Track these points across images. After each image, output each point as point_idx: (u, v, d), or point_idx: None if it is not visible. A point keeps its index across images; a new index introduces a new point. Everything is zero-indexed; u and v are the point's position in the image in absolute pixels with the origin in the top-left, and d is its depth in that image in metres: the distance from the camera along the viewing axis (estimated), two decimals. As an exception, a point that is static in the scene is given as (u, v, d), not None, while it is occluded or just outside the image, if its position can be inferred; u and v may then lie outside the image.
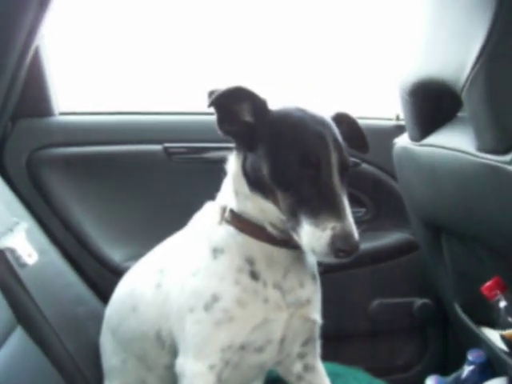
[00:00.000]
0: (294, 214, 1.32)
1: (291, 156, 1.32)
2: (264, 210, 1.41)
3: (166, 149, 2.31)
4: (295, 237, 1.34)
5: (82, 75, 2.54)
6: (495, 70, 1.32)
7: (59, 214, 2.23)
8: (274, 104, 1.43)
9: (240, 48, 2.62)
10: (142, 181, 2.32)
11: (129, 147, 2.31)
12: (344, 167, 1.35)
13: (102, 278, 2.18)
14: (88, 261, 2.23)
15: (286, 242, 1.43)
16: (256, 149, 1.39)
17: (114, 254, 2.24)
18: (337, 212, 1.27)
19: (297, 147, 1.33)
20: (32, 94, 2.21)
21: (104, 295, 1.90)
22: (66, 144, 2.28)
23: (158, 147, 2.31)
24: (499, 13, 1.28)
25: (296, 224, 1.31)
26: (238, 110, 1.40)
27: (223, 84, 1.38)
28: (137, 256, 1.77)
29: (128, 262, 2.08)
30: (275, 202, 1.37)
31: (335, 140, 1.36)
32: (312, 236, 1.27)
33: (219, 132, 1.40)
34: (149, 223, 2.27)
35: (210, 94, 1.39)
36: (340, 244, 1.25)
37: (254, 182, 1.40)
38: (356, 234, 1.27)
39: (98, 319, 1.82)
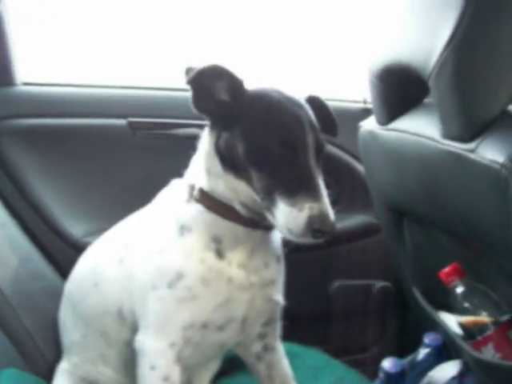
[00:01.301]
0: (269, 194, 1.32)
1: (268, 136, 1.33)
2: (236, 190, 1.41)
3: (130, 123, 2.28)
4: (269, 217, 1.34)
5: (46, 44, 2.48)
6: (464, 57, 1.32)
7: (19, 186, 2.18)
8: (250, 84, 1.42)
9: (213, 26, 2.60)
10: (105, 155, 2.28)
11: (93, 120, 2.27)
12: (319, 149, 1.37)
13: (61, 253, 2.14)
14: (48, 235, 2.19)
15: (254, 222, 1.44)
16: (231, 128, 1.39)
17: (75, 228, 2.21)
18: (313, 192, 1.28)
19: (273, 128, 1.34)
20: (-7, 63, 2.16)
21: (63, 270, 1.89)
22: (28, 115, 2.23)
23: (122, 121, 2.28)
24: (469, 2, 1.28)
25: (271, 204, 1.32)
26: (214, 88, 1.39)
27: (199, 61, 1.37)
28: (97, 232, 1.76)
29: (88, 238, 2.05)
30: (248, 181, 1.37)
31: (311, 122, 1.38)
32: (289, 215, 1.28)
33: (194, 110, 1.39)
34: (111, 199, 2.24)
35: (188, 70, 1.38)
36: (317, 224, 1.26)
37: (228, 160, 1.40)
38: (332, 215, 1.28)
39: (56, 295, 1.79)
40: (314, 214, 1.26)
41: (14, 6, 2.20)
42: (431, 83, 1.41)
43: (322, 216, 1.26)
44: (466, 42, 1.31)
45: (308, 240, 1.29)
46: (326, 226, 1.27)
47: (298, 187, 1.29)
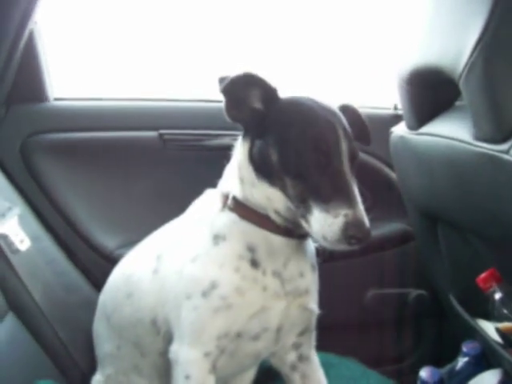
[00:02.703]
0: (303, 201, 1.32)
1: (302, 143, 1.33)
2: (270, 198, 1.40)
3: (161, 135, 2.30)
4: (304, 224, 1.34)
5: (77, 61, 2.51)
6: (493, 57, 1.30)
7: (52, 200, 2.21)
8: (284, 92, 1.43)
9: (240, 38, 2.61)
10: (136, 167, 2.30)
11: (124, 133, 2.30)
12: (353, 156, 1.36)
13: (95, 265, 2.17)
14: (81, 248, 2.21)
15: (289, 231, 1.44)
16: (265, 136, 1.39)
17: (108, 241, 2.23)
18: (349, 199, 1.28)
19: (308, 135, 1.33)
20: (26, 80, 2.19)
21: (97, 282, 1.90)
22: (60, 130, 2.26)
23: (153, 134, 2.30)
24: (497, 2, 1.27)
25: (306, 211, 1.31)
26: (247, 97, 1.40)
27: (232, 70, 1.38)
28: (130, 243, 1.76)
29: (121, 250, 2.07)
30: (283, 189, 1.37)
31: (345, 129, 1.37)
32: (324, 222, 1.27)
33: (227, 118, 1.40)
34: (143, 210, 2.26)
35: (221, 80, 1.38)
36: (353, 231, 1.25)
37: (262, 168, 1.40)
38: (367, 222, 1.27)
39: (90, 307, 1.80)
40: (349, 221, 1.25)
41: (46, 22, 2.24)
42: (461, 85, 1.39)
43: (358, 223, 1.25)
44: (495, 42, 1.29)
45: (343, 247, 1.28)
46: (362, 232, 1.26)
47: (332, 194, 1.28)
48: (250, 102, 1.40)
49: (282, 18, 2.63)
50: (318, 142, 1.33)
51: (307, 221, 1.32)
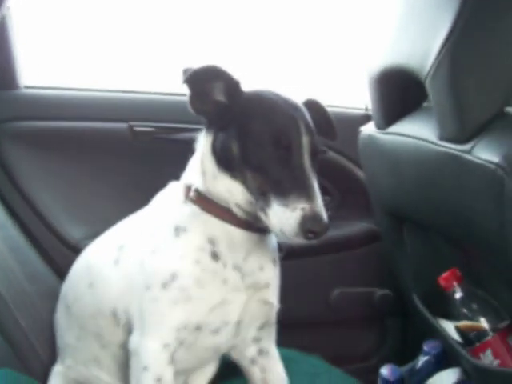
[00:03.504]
0: (263, 194, 1.32)
1: (263, 137, 1.33)
2: (231, 191, 1.41)
3: (130, 127, 2.28)
4: (263, 217, 1.34)
5: (49, 49, 2.49)
6: (459, 58, 1.32)
7: (20, 188, 2.18)
8: (246, 86, 1.43)
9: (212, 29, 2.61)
10: (105, 158, 2.28)
11: (94, 124, 2.27)
12: (314, 152, 1.37)
13: (60, 256, 2.14)
14: (47, 237, 2.18)
15: (250, 224, 1.44)
16: (227, 129, 1.39)
17: (74, 231, 2.20)
18: (307, 193, 1.29)
19: (269, 128, 1.34)
20: (-3, 67, 2.17)
21: (62, 273, 1.87)
22: (30, 118, 2.24)
23: (123, 125, 2.28)
24: (465, 4, 1.29)
25: (265, 204, 1.32)
26: (210, 89, 1.40)
27: (197, 63, 1.37)
28: (96, 234, 1.74)
29: (87, 240, 2.02)
30: (244, 182, 1.37)
31: (307, 124, 1.38)
32: (281, 216, 1.28)
33: (190, 110, 1.40)
34: (111, 202, 2.23)
35: (185, 71, 1.38)
36: (310, 224, 1.26)
37: (223, 161, 1.40)
38: (325, 216, 1.28)
39: (54, 297, 1.78)
40: (306, 215, 1.26)
41: (17, 10, 2.21)
42: (428, 85, 1.42)
43: (315, 217, 1.26)
44: (461, 43, 1.32)
45: (300, 240, 1.29)
46: (319, 226, 1.27)
47: (291, 187, 1.29)
48: (213, 95, 1.40)
49: (257, 17, 2.63)
50: (278, 136, 1.33)
51: (266, 214, 1.33)
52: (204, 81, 1.38)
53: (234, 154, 1.37)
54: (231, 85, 1.41)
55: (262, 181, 1.33)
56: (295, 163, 1.32)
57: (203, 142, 1.46)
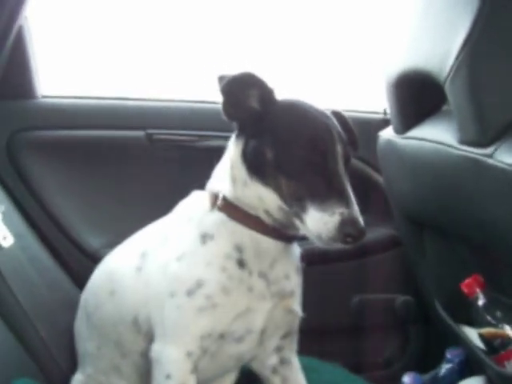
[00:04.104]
0: (298, 200, 1.33)
1: (299, 143, 1.34)
2: (262, 198, 1.41)
3: (148, 135, 2.29)
4: (298, 223, 1.35)
5: (66, 59, 2.51)
6: (479, 60, 1.31)
7: (38, 197, 2.20)
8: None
9: (230, 38, 2.61)
10: (123, 167, 2.28)
11: (111, 132, 2.28)
12: (347, 159, 1.39)
13: (79, 264, 2.15)
14: (66, 246, 2.19)
15: (278, 232, 1.44)
16: (260, 136, 1.40)
17: (92, 240, 2.21)
18: (344, 198, 1.29)
19: (305, 135, 1.36)
20: (14, 76, 2.17)
21: (80, 281, 1.87)
22: (47, 127, 2.25)
23: (140, 133, 2.29)
24: (484, 3, 1.28)
25: (300, 210, 1.32)
26: (245, 96, 1.41)
27: (232, 70, 1.39)
28: (115, 243, 1.74)
29: (106, 249, 2.04)
30: (276, 188, 1.38)
31: (339, 133, 1.40)
32: (319, 221, 1.28)
33: (224, 117, 1.41)
34: (129, 210, 2.24)
35: (221, 78, 1.40)
36: (348, 229, 1.26)
37: (256, 168, 1.41)
38: (362, 221, 1.29)
39: (73, 305, 1.78)
40: (345, 219, 1.26)
41: (34, 19, 2.23)
42: (447, 88, 1.40)
43: (353, 221, 1.27)
44: (481, 45, 1.30)
45: (338, 245, 1.29)
46: (357, 230, 1.27)
47: (328, 193, 1.30)
48: (248, 102, 1.42)
49: (274, 22, 2.63)
50: (315, 143, 1.35)
51: (302, 220, 1.33)
52: (240, 88, 1.40)
53: (268, 161, 1.38)
54: (266, 92, 1.43)
55: (298, 187, 1.33)
56: (331, 169, 1.34)
57: (233, 149, 1.47)
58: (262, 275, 1.46)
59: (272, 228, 1.44)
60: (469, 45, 1.29)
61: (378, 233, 2.36)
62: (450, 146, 1.45)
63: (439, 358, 1.89)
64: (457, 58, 1.32)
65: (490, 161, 1.29)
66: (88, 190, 2.26)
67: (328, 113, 1.45)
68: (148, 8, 2.61)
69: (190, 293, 1.41)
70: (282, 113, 1.42)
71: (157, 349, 1.46)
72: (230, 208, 1.45)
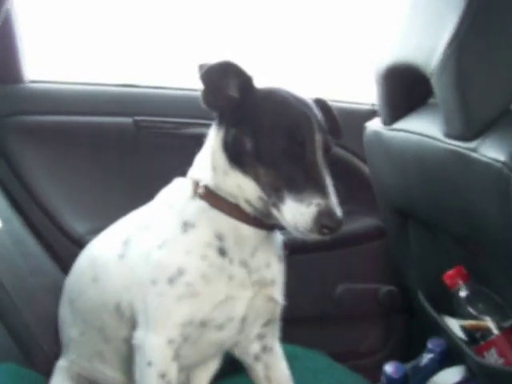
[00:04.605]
0: (276, 190, 1.33)
1: (277, 133, 1.34)
2: (242, 187, 1.41)
3: (135, 122, 2.29)
4: (276, 213, 1.34)
5: (54, 43, 2.49)
6: (465, 55, 1.31)
7: (24, 182, 2.19)
8: (259, 83, 1.44)
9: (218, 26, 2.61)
10: (110, 153, 2.28)
11: (98, 118, 2.28)
12: (327, 148, 1.38)
13: (64, 250, 2.14)
14: (51, 231, 2.19)
15: (258, 221, 1.44)
16: (239, 124, 1.40)
17: (78, 225, 2.21)
18: (322, 189, 1.29)
19: (283, 125, 1.35)
20: (2, 61, 2.18)
21: (65, 267, 1.87)
22: (34, 112, 2.24)
23: (127, 120, 2.29)
24: (472, -1, 1.28)
25: (278, 200, 1.32)
26: (224, 85, 1.40)
27: (211, 58, 1.39)
28: (101, 229, 1.74)
29: (92, 235, 2.03)
30: (256, 178, 1.37)
31: (319, 121, 1.39)
32: (296, 211, 1.28)
33: (203, 105, 1.40)
34: (115, 196, 2.24)
35: (201, 67, 1.39)
36: (325, 220, 1.26)
37: (235, 157, 1.41)
38: (340, 212, 1.28)
39: (58, 291, 1.78)
40: (321, 210, 1.26)
41: (23, 3, 2.21)
42: (434, 81, 1.41)
43: (330, 212, 1.27)
44: (468, 40, 1.31)
45: (314, 236, 1.29)
46: (334, 222, 1.27)
47: (306, 183, 1.30)
48: (227, 90, 1.41)
49: (265, 12, 2.63)
50: (293, 132, 1.34)
51: (279, 210, 1.33)
52: (219, 76, 1.39)
53: (247, 150, 1.37)
54: (245, 81, 1.42)
55: (276, 177, 1.33)
56: (309, 159, 1.33)
57: (213, 138, 1.46)
58: (243, 263, 1.46)
59: (253, 217, 1.44)
60: (456, 40, 1.30)
61: (363, 223, 2.37)
62: (435, 138, 1.46)
63: (421, 348, 1.90)
64: (444, 52, 1.33)
65: (475, 155, 1.30)
66: (74, 175, 2.25)
67: (309, 101, 1.44)
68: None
69: (171, 281, 1.42)
70: (260, 101, 1.41)
71: (139, 336, 1.47)
72: (211, 196, 1.45)
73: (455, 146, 1.37)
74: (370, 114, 2.24)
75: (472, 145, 1.32)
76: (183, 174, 1.54)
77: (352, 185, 2.34)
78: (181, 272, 1.41)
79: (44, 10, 2.45)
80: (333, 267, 2.35)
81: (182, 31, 2.57)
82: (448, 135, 1.41)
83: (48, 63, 2.44)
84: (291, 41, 2.65)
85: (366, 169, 2.30)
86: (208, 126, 1.52)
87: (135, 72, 2.52)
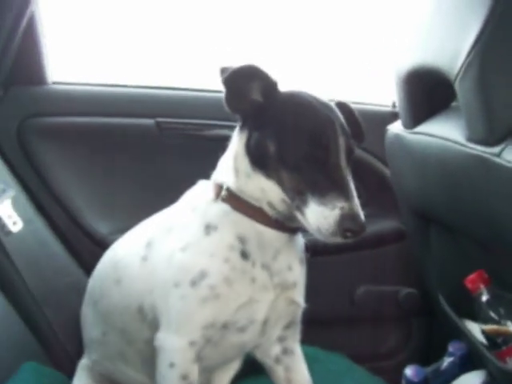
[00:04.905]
0: (299, 194, 1.33)
1: (301, 137, 1.34)
2: (265, 190, 1.41)
3: (158, 123, 2.30)
4: (299, 216, 1.35)
5: (78, 45, 2.51)
6: (489, 59, 1.30)
7: (47, 183, 2.22)
8: (283, 87, 1.44)
9: (240, 30, 2.61)
10: (132, 154, 2.30)
11: (121, 120, 2.30)
12: (349, 152, 1.38)
13: (87, 250, 2.17)
14: (74, 232, 2.22)
15: (280, 224, 1.45)
16: (263, 128, 1.40)
17: (101, 226, 2.23)
18: (345, 193, 1.29)
19: (307, 128, 1.35)
20: (26, 62, 2.20)
21: (88, 267, 1.89)
22: (57, 113, 2.27)
23: (150, 121, 2.30)
24: (497, 3, 1.27)
25: (301, 203, 1.33)
26: (248, 89, 1.41)
27: (234, 62, 1.39)
28: (123, 229, 1.76)
29: (114, 235, 2.05)
30: (279, 181, 1.38)
31: (342, 125, 1.39)
32: (320, 215, 1.29)
33: (226, 109, 1.40)
34: (137, 197, 2.26)
35: (223, 70, 1.40)
36: (348, 224, 1.26)
37: (258, 160, 1.41)
38: (362, 215, 1.29)
39: (80, 291, 1.80)
40: (345, 214, 1.27)
41: (47, 6, 2.24)
42: (457, 86, 1.40)
43: (353, 216, 1.27)
44: (492, 45, 1.29)
45: (338, 239, 1.29)
46: (357, 225, 1.27)
47: (329, 187, 1.30)
48: (251, 94, 1.41)
49: (286, 14, 2.63)
50: (316, 136, 1.34)
51: (302, 213, 1.33)
52: (243, 80, 1.39)
53: (270, 154, 1.38)
54: (268, 85, 1.42)
55: (299, 180, 1.33)
56: (332, 163, 1.33)
57: (237, 141, 1.47)
58: (265, 266, 1.47)
59: (275, 220, 1.44)
60: (479, 44, 1.29)
61: (383, 225, 2.36)
62: (458, 143, 1.45)
63: (442, 351, 1.90)
64: (467, 56, 1.32)
65: (497, 160, 1.29)
66: (97, 176, 2.27)
67: (332, 105, 1.45)
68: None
69: (193, 283, 1.42)
70: (284, 105, 1.41)
71: (161, 337, 1.47)
72: (234, 199, 1.46)
73: (478, 150, 1.36)
74: (391, 116, 2.24)
75: (495, 150, 1.30)
76: (207, 176, 1.55)
77: (373, 187, 2.35)
78: (203, 275, 1.42)
79: (67, 13, 2.47)
80: (353, 269, 2.34)
81: (196, 34, 2.59)
82: (470, 140, 1.40)
83: (71, 65, 2.46)
84: (309, 43, 2.65)
85: (386, 171, 2.29)
86: (230, 127, 1.52)
87: (152, 73, 2.54)
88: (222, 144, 1.52)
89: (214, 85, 2.22)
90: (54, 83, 2.31)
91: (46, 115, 2.25)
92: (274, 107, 1.40)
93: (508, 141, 1.29)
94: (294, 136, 1.35)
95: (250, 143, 1.43)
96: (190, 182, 1.58)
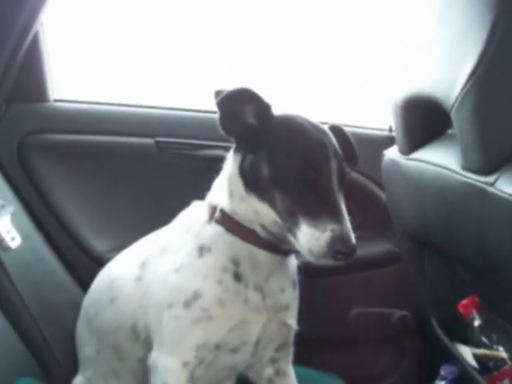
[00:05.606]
0: (291, 216, 1.34)
1: (293, 160, 1.36)
2: (258, 212, 1.43)
3: (157, 143, 2.31)
4: (291, 238, 1.36)
5: (79, 64, 2.54)
6: (485, 91, 1.32)
7: (46, 199, 2.23)
8: (276, 109, 1.46)
9: (237, 50, 2.64)
10: (131, 173, 2.32)
11: (120, 138, 2.31)
12: (342, 175, 1.40)
13: (84, 267, 2.17)
14: (71, 248, 2.22)
15: (273, 246, 1.47)
16: (256, 151, 1.42)
17: (98, 243, 2.24)
18: (336, 215, 1.31)
19: (299, 152, 1.37)
20: (28, 79, 2.21)
21: (85, 284, 1.90)
22: (58, 131, 2.28)
23: (149, 141, 2.31)
24: (493, 35, 1.29)
25: (293, 225, 1.34)
26: (242, 111, 1.42)
27: (228, 84, 1.41)
28: (121, 247, 1.77)
29: (111, 253, 2.06)
30: (271, 203, 1.39)
31: (334, 149, 1.41)
32: (311, 237, 1.30)
33: (221, 131, 1.42)
34: (135, 216, 2.27)
35: (217, 93, 1.41)
36: (339, 246, 1.28)
37: (252, 183, 1.43)
38: (353, 238, 1.31)
39: (77, 308, 1.81)
40: (336, 236, 1.28)
41: (50, 25, 2.26)
42: (453, 115, 1.42)
43: (344, 238, 1.29)
44: (488, 76, 1.32)
45: (329, 262, 1.31)
46: (348, 247, 1.29)
47: (320, 209, 1.31)
48: (244, 117, 1.43)
49: (282, 36, 2.66)
50: (308, 160, 1.36)
51: (294, 235, 1.34)
52: (236, 103, 1.41)
53: (263, 176, 1.39)
54: (262, 108, 1.44)
55: (291, 202, 1.35)
56: (324, 186, 1.35)
57: (231, 163, 1.49)
58: (258, 288, 1.48)
59: (268, 242, 1.46)
60: (475, 76, 1.31)
61: (378, 248, 2.37)
62: (453, 171, 1.47)
63: (433, 374, 1.90)
64: (463, 87, 1.34)
65: (492, 189, 1.31)
66: (96, 194, 2.29)
67: (325, 128, 1.46)
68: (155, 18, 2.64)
69: (186, 304, 1.44)
70: (277, 129, 1.42)
71: (154, 357, 1.49)
72: (227, 221, 1.47)
73: (472, 179, 1.38)
74: (388, 140, 2.27)
75: (489, 179, 1.33)
76: (202, 197, 1.56)
77: (368, 210, 2.37)
78: (197, 296, 1.44)
79: (70, 32, 2.49)
80: (347, 291, 2.35)
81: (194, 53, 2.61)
82: (466, 168, 1.42)
83: (72, 83, 2.48)
84: (306, 65, 2.68)
85: (381, 194, 2.32)
86: (224, 148, 1.54)
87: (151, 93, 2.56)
88: (214, 164, 1.54)
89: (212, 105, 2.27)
90: (56, 101, 2.33)
91: (46, 132, 2.26)
92: (268, 130, 1.42)
93: (502, 170, 1.31)
94: (286, 159, 1.36)
95: (244, 165, 1.44)
96: (188, 202, 1.60)
